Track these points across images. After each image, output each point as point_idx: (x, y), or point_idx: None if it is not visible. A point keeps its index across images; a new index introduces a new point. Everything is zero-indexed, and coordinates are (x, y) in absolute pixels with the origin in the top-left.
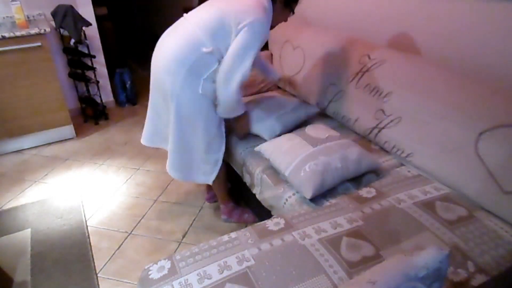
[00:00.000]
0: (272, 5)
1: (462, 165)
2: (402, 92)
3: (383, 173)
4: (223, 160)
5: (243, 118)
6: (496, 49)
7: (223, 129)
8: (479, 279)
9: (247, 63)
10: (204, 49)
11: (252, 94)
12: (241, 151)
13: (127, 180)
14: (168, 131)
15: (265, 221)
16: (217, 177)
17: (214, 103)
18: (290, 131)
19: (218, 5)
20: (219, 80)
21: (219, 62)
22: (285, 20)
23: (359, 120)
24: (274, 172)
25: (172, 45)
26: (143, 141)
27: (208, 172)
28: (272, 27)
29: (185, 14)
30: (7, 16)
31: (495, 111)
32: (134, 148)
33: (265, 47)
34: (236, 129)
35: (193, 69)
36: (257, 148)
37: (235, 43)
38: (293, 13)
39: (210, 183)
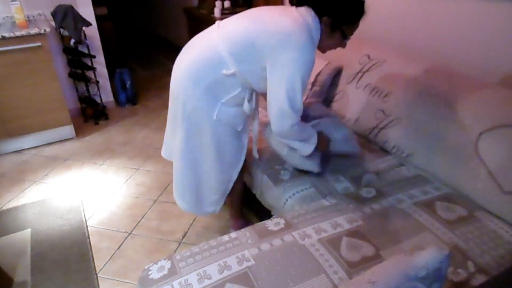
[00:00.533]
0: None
1: (462, 165)
2: (402, 92)
3: (383, 173)
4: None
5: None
6: (496, 49)
7: (240, 157)
8: (479, 279)
9: (298, 98)
10: (225, 71)
11: None
12: None
13: (127, 180)
14: (175, 151)
15: (265, 221)
16: (234, 190)
17: (232, 129)
18: None
19: (252, 19)
20: (272, 125)
21: (243, 87)
22: (341, 46)
23: (359, 120)
24: (274, 172)
25: (191, 57)
26: (163, 153)
27: (215, 203)
28: (322, 50)
29: (220, 22)
30: (7, 16)
31: (495, 111)
32: (134, 148)
33: None
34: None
35: (209, 90)
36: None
37: (279, 83)
38: (346, 38)
39: (217, 212)
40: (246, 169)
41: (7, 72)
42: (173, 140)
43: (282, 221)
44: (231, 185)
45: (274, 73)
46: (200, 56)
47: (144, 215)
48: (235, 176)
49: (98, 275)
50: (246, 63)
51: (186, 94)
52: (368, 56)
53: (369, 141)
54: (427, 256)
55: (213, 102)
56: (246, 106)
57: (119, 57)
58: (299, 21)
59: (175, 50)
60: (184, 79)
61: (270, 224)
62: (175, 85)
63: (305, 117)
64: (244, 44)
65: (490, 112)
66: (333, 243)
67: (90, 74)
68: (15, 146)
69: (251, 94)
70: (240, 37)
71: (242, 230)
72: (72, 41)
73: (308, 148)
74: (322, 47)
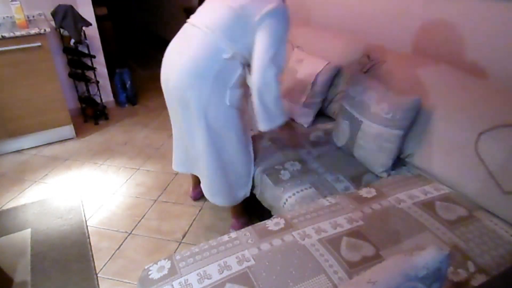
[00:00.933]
0: None
1: (462, 165)
2: (401, 92)
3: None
4: None
5: (290, 128)
6: (497, 49)
7: (249, 135)
8: (479, 279)
9: (281, 53)
10: (225, 56)
11: None
12: None
13: (127, 180)
14: (198, 155)
15: (265, 221)
16: None
17: (241, 110)
18: None
19: (224, 2)
20: (254, 82)
21: (243, 65)
22: None
23: None
24: (274, 172)
25: (188, 59)
26: (178, 168)
27: (244, 185)
28: None
29: (189, 20)
30: (7, 16)
31: (495, 111)
32: (134, 148)
33: None
34: (286, 142)
35: (218, 79)
36: None
37: (262, 35)
38: None
39: (248, 195)
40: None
41: (7, 72)
42: (192, 148)
43: (282, 221)
44: (252, 164)
45: (259, 33)
46: (196, 53)
47: (144, 215)
48: (253, 154)
49: (98, 275)
50: (240, 41)
51: (200, 92)
52: (368, 57)
53: None
54: (427, 256)
55: (224, 89)
56: (250, 81)
57: (119, 57)
58: None
59: None
60: (187, 80)
61: (270, 224)
62: (176, 92)
63: None
64: (231, 22)
65: (490, 112)
66: (333, 243)
67: (90, 74)
68: (15, 146)
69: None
70: (226, 17)
71: (242, 230)
72: (72, 41)
73: (272, 123)
74: None
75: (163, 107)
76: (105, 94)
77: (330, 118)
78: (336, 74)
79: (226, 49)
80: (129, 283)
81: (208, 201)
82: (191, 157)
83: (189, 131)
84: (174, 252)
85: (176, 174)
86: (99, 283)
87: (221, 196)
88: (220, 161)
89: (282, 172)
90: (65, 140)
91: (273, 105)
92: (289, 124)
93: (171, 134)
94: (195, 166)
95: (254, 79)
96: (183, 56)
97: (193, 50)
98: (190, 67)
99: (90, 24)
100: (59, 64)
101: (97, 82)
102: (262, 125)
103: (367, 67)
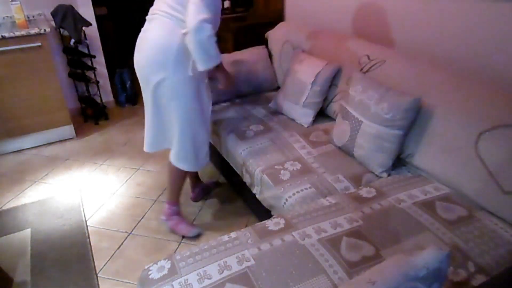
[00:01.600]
0: None
1: (462, 165)
2: (401, 92)
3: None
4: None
5: (224, 73)
6: (497, 49)
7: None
8: (479, 279)
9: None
10: (183, 30)
11: None
12: (241, 150)
13: (127, 180)
14: (170, 127)
15: (265, 221)
16: (178, 169)
17: (197, 79)
18: None
19: None
20: (189, 22)
21: None
22: None
23: None
24: (274, 172)
25: (153, 39)
26: (146, 148)
27: (206, 154)
28: None
29: (150, 11)
30: (7, 16)
31: (495, 111)
32: (134, 148)
33: (266, 45)
34: (223, 86)
35: (180, 53)
36: None
37: None
38: None
39: (208, 161)
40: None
41: (7, 72)
42: (159, 125)
43: (282, 221)
44: (208, 131)
45: None
46: (159, 32)
47: (144, 215)
48: (208, 122)
49: (98, 275)
50: (185, 4)
51: (165, 67)
52: (368, 57)
53: None
54: (427, 256)
55: (186, 61)
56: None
57: (119, 57)
58: None
59: None
60: (158, 56)
61: (270, 224)
62: (146, 68)
63: None
64: None
65: (490, 112)
66: (333, 243)
67: (90, 74)
68: (15, 146)
69: None
70: None
71: (242, 230)
72: (72, 41)
73: (209, 62)
74: None
75: None
76: (105, 94)
77: (330, 118)
78: (335, 74)
79: (182, 24)
80: (129, 283)
81: (208, 201)
82: (164, 133)
83: (162, 108)
84: (174, 252)
85: None
86: (99, 283)
87: (187, 163)
88: (191, 130)
89: (282, 172)
90: (65, 140)
91: (208, 43)
92: (222, 67)
93: None
94: (165, 140)
95: (189, 20)
96: (148, 39)
97: (155, 31)
98: (155, 46)
99: (90, 24)
100: (59, 64)
101: (97, 82)
102: (200, 65)
103: (367, 67)
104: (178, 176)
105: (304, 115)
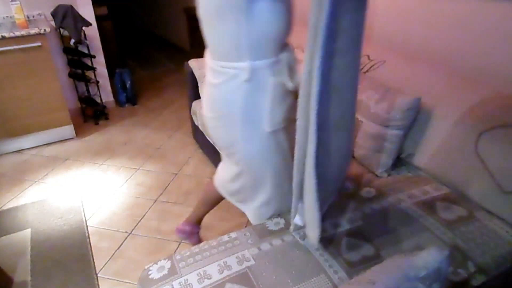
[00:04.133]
0: None
1: (462, 165)
2: (401, 92)
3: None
4: None
5: None
6: (497, 49)
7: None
8: (479, 279)
9: None
10: (243, 77)
11: None
12: None
13: (127, 180)
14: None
15: (265, 221)
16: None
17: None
18: None
19: None
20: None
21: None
22: None
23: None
24: None
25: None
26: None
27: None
28: None
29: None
30: (7, 16)
31: (495, 111)
32: (134, 148)
33: None
34: None
35: (247, 106)
36: None
37: None
38: None
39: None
40: None
41: (7, 72)
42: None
43: (282, 221)
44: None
45: None
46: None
47: (144, 215)
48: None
49: (98, 275)
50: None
51: (222, 135)
52: (368, 57)
53: None
54: (427, 256)
55: (258, 116)
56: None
57: (119, 57)
58: None
59: (175, 50)
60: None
61: (270, 224)
62: None
63: None
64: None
65: (490, 112)
66: (333, 243)
67: (90, 74)
68: (15, 146)
69: None
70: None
71: (242, 230)
72: (72, 41)
73: None
74: None
75: (163, 107)
76: (105, 94)
77: None
78: None
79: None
80: (129, 283)
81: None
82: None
83: None
84: (174, 252)
85: (176, 174)
86: (99, 283)
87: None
88: None
89: None
90: (65, 140)
91: None
92: None
93: (171, 135)
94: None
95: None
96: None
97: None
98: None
99: (90, 24)
100: (59, 64)
101: (97, 82)
102: None
103: (367, 67)
104: (208, 201)
105: None
